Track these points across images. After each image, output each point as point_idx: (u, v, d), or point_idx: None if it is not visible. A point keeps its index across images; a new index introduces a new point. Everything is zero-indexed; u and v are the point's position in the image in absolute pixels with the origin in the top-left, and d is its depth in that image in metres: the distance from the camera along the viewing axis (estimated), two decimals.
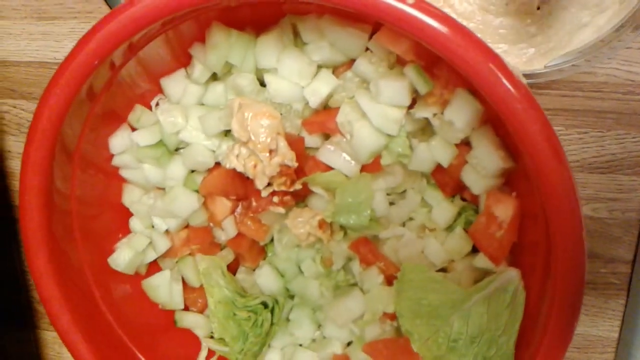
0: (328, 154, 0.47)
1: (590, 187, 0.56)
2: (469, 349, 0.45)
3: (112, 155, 0.54)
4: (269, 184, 0.47)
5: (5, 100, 0.67)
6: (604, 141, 0.55)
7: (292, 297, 0.57)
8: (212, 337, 0.57)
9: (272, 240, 0.56)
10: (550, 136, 0.38)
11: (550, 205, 0.39)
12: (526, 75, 0.48)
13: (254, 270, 0.57)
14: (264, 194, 0.48)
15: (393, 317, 0.49)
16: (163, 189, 0.54)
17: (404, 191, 0.50)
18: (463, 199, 0.50)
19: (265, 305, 0.53)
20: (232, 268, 0.58)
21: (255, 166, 0.46)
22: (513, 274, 0.44)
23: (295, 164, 0.46)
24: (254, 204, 0.50)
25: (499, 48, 0.50)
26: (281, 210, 0.49)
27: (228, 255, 0.57)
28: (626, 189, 0.55)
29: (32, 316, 0.74)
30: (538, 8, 0.50)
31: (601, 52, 0.49)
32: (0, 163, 0.70)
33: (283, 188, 0.47)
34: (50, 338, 0.75)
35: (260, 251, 0.57)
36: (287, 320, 0.56)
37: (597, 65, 0.53)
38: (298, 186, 0.48)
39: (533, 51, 0.49)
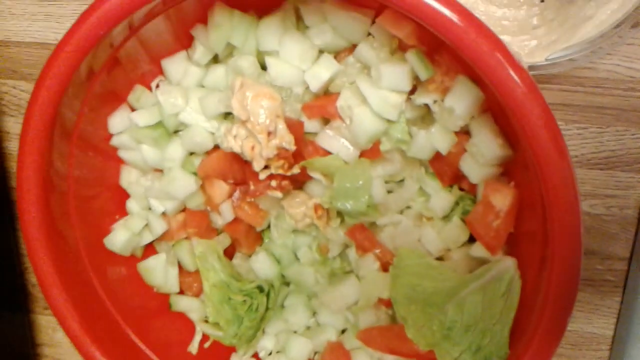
0: (327, 138, 0.48)
1: (588, 184, 0.56)
2: (463, 337, 0.45)
3: (110, 136, 0.54)
4: (267, 167, 0.47)
5: (5, 81, 0.67)
6: (603, 137, 0.55)
7: (287, 284, 0.57)
8: (206, 321, 0.57)
9: (268, 226, 0.56)
10: (550, 122, 0.38)
11: (548, 193, 0.40)
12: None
13: (249, 256, 0.57)
14: (262, 176, 0.48)
15: (388, 303, 0.49)
16: (161, 171, 0.54)
17: (402, 180, 0.50)
18: (461, 189, 0.50)
19: (261, 289, 0.53)
20: (229, 254, 0.58)
21: (252, 148, 0.46)
22: (509, 262, 0.44)
23: (293, 147, 0.46)
24: (252, 187, 0.50)
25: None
26: (279, 194, 0.49)
27: (224, 240, 0.57)
28: (624, 185, 0.55)
29: (27, 300, 0.74)
30: (542, 0, 0.50)
31: (601, 47, 0.49)
32: None
33: (280, 171, 0.47)
34: (43, 322, 0.74)
35: (257, 237, 0.57)
36: (282, 307, 0.56)
37: (598, 60, 0.53)
38: (296, 170, 0.48)
39: (535, 43, 0.49)
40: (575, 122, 0.55)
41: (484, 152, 0.44)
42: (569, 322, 0.59)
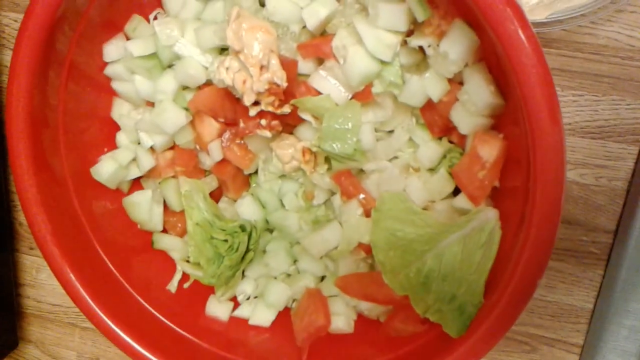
0: (320, 79, 0.47)
1: (579, 152, 0.56)
2: (440, 286, 0.45)
3: (104, 66, 0.53)
4: (257, 103, 0.47)
5: (7, 14, 0.66)
6: (598, 106, 0.54)
7: (270, 231, 0.57)
8: (187, 261, 0.57)
9: (256, 172, 0.56)
10: (548, 82, 0.38)
11: (535, 152, 0.39)
12: None
13: (235, 201, 0.57)
14: (252, 112, 0.47)
15: (368, 249, 0.49)
16: (153, 105, 0.54)
17: (392, 131, 0.50)
18: (450, 142, 0.49)
19: (243, 228, 0.53)
20: (215, 198, 0.58)
21: (244, 82, 0.46)
22: (491, 213, 0.44)
23: (285, 84, 0.46)
24: (241, 125, 0.50)
25: None
26: (268, 134, 0.49)
27: (212, 182, 0.57)
28: (615, 156, 0.55)
29: (13, 239, 0.74)
30: None
31: (600, 10, 0.49)
32: None
33: (270, 109, 0.47)
34: (28, 262, 0.74)
35: (244, 182, 0.56)
36: (264, 252, 0.56)
37: (599, 27, 0.52)
38: (286, 109, 0.48)
39: (536, 0, 0.49)
40: (571, 89, 0.54)
41: (476, 99, 0.44)
42: (550, 293, 0.60)
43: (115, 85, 0.54)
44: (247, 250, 0.53)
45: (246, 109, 0.48)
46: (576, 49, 0.53)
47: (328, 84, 0.47)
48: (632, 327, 0.58)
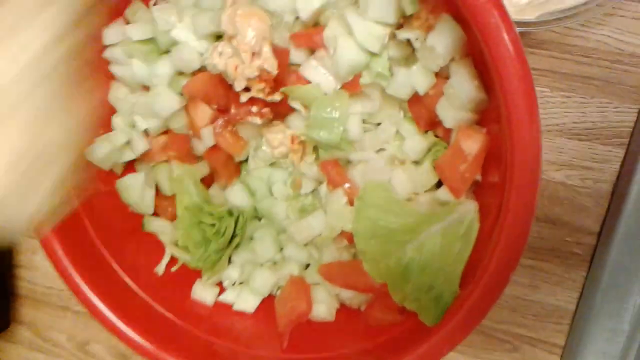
0: (310, 69, 0.48)
1: (566, 154, 0.56)
2: (418, 276, 0.46)
3: (103, 49, 0.55)
4: (248, 89, 0.48)
5: None
6: (586, 108, 0.55)
7: (259, 219, 0.58)
8: (176, 244, 0.58)
9: (247, 160, 0.57)
10: (527, 82, 0.39)
11: (513, 148, 0.40)
12: (516, 24, 0.49)
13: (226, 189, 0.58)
14: (243, 98, 0.49)
15: (351, 238, 0.49)
16: (149, 89, 0.55)
17: (380, 124, 0.51)
18: (436, 136, 0.50)
19: (230, 213, 0.54)
20: (206, 185, 0.59)
21: (236, 68, 0.47)
22: (470, 206, 0.45)
23: (276, 71, 0.47)
24: (233, 111, 0.51)
25: None
26: (258, 120, 0.50)
27: (203, 168, 0.58)
28: (601, 158, 0.56)
29: None
30: None
31: (587, 13, 0.50)
32: None
33: (261, 95, 0.48)
34: (24, 244, 0.75)
35: (235, 170, 0.57)
36: (251, 239, 0.57)
37: (589, 30, 0.53)
38: (277, 97, 0.49)
39: (526, 1, 0.50)
40: (560, 90, 0.55)
41: (460, 93, 0.44)
42: (533, 293, 0.60)
43: (113, 68, 0.56)
44: (234, 235, 0.54)
45: (238, 96, 0.50)
46: (566, 51, 0.54)
47: (318, 74, 0.48)
48: (614, 330, 0.58)
